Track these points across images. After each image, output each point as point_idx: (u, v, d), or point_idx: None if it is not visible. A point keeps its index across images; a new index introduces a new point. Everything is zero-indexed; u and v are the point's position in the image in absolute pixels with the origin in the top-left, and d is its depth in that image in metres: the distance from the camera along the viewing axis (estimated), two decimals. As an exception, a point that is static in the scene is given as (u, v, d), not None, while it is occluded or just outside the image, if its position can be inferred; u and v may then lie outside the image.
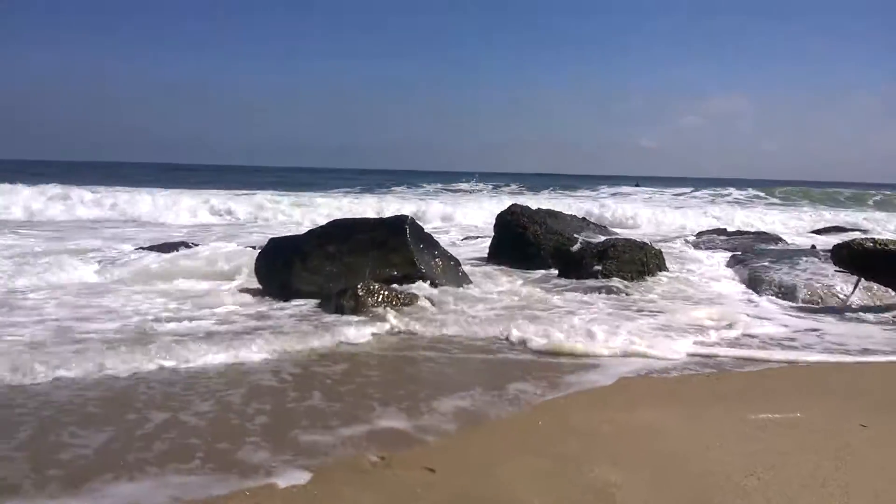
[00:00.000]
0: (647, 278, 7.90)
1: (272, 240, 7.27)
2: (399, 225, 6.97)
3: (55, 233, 12.66)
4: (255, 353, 4.56)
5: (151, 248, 9.22)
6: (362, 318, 5.59)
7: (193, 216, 18.04)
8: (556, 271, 8.51)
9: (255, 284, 6.87)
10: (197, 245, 9.31)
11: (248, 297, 6.46)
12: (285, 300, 6.30)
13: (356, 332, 5.13)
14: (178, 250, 8.79)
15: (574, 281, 7.71)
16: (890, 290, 6.61)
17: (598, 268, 8.11)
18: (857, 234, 12.33)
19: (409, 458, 2.96)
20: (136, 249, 9.46)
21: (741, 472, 2.81)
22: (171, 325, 5.25)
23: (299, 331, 5.18)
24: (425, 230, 7.51)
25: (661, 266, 8.32)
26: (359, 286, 5.91)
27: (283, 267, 6.72)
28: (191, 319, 5.45)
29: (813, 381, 4.24)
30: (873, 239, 6.58)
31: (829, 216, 20.75)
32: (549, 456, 2.98)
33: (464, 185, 37.72)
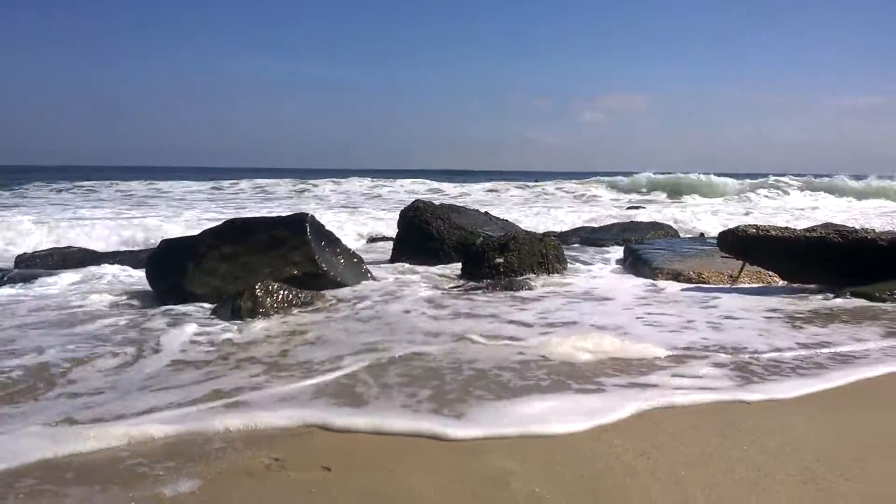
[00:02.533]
0: (547, 275, 8.04)
1: (164, 241, 7.00)
2: (299, 223, 6.83)
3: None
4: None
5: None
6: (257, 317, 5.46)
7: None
8: (460, 266, 8.57)
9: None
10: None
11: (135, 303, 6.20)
12: (177, 304, 6.07)
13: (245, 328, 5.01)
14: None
15: (475, 280, 7.76)
16: (771, 272, 6.99)
17: (500, 260, 8.22)
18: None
19: (305, 459, 2.90)
20: None
21: (632, 453, 2.89)
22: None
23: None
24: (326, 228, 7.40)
25: (561, 257, 8.49)
26: (256, 286, 5.76)
27: (176, 270, 6.47)
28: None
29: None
30: (756, 225, 6.92)
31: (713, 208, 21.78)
32: (447, 450, 2.98)
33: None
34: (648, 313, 5.79)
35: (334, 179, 37.73)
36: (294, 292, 5.92)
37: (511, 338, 4.86)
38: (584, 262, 9.17)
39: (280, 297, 5.80)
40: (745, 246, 6.79)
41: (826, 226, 8.22)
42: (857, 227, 7.49)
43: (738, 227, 7.00)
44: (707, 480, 2.63)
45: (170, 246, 6.86)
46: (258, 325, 5.31)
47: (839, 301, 6.11)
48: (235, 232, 6.72)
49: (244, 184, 35.99)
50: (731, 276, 7.00)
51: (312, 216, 7.00)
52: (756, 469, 2.73)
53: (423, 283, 7.44)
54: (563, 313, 5.79)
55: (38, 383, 3.91)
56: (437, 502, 2.51)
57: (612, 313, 5.82)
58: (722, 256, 7.15)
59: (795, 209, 23.76)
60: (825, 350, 4.60)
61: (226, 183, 36.18)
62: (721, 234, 7.06)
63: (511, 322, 5.46)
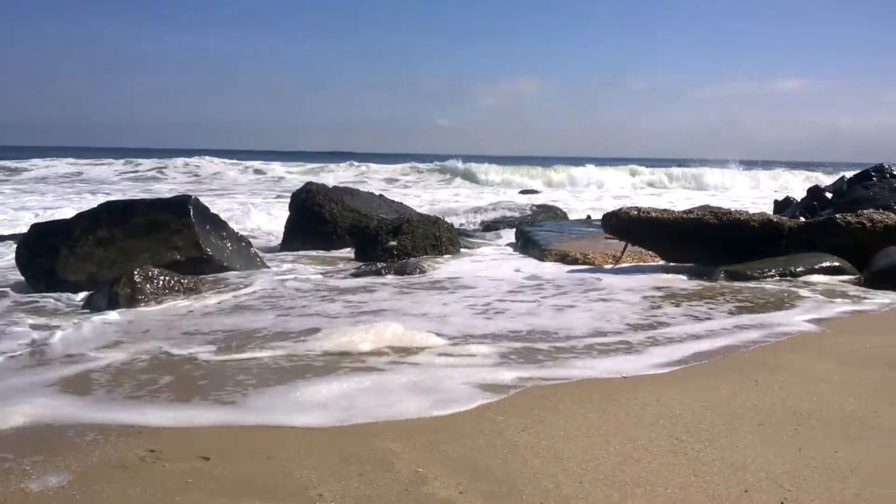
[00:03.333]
0: (439, 257, 8.09)
1: (34, 225, 6.59)
2: (182, 205, 6.58)
3: None
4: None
5: None
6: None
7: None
8: (354, 249, 8.51)
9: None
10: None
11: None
12: (49, 291, 5.74)
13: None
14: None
15: (368, 263, 7.71)
16: (653, 252, 7.29)
17: (394, 244, 8.21)
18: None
19: (182, 449, 2.79)
20: None
21: (514, 429, 2.94)
22: None
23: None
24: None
25: (454, 240, 8.56)
26: (135, 272, 5.50)
27: (48, 255, 6.11)
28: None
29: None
30: (637, 207, 7.19)
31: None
32: (332, 435, 2.95)
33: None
34: (501, 300, 5.80)
35: (185, 160, 35.00)
36: (176, 278, 5.70)
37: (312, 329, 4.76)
38: (480, 245, 9.28)
39: (161, 283, 5.57)
40: (628, 227, 7.05)
41: (703, 208, 8.63)
42: (733, 209, 7.91)
43: (620, 208, 7.25)
44: (584, 453, 2.71)
45: (41, 230, 6.46)
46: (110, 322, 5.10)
47: (698, 281, 6.45)
48: (112, 215, 6.41)
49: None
50: (614, 257, 7.25)
51: (196, 198, 6.76)
52: (630, 441, 2.83)
53: (308, 269, 7.32)
54: (394, 303, 5.67)
55: None
56: (320, 484, 2.47)
57: (458, 301, 5.79)
58: (606, 237, 7.39)
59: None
60: (659, 331, 4.85)
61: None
62: (605, 215, 7.30)
63: (328, 316, 5.46)
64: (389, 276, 6.83)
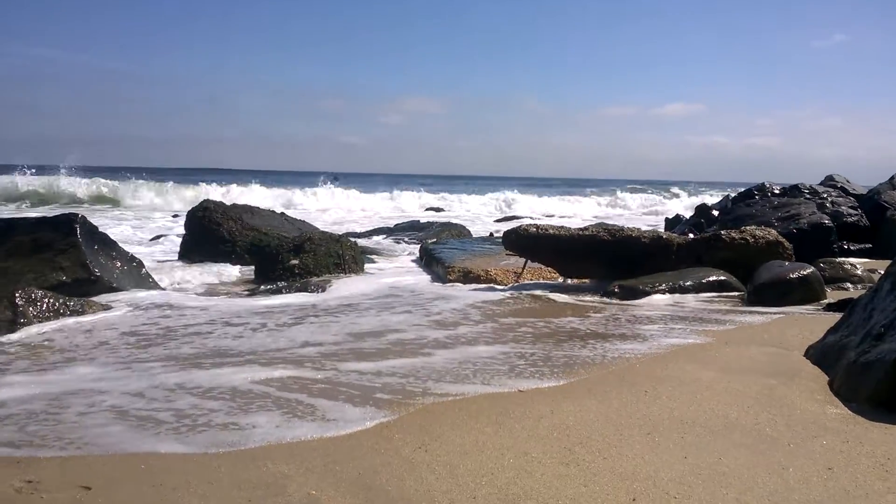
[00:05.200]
0: (343, 275, 8.01)
1: None
2: (68, 224, 6.29)
3: None
4: None
5: None
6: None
7: None
8: (253, 268, 8.33)
9: None
10: None
11: None
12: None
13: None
14: None
15: (269, 283, 7.56)
16: (552, 268, 7.46)
17: (295, 262, 8.08)
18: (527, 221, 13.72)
19: (63, 478, 2.65)
20: None
21: (411, 447, 2.94)
22: None
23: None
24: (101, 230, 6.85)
25: (358, 258, 8.51)
26: (17, 294, 5.20)
27: (-82, 277, 5.70)
28: None
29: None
30: (536, 225, 7.36)
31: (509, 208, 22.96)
32: (222, 458, 2.86)
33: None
34: (393, 320, 5.80)
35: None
36: (62, 300, 5.42)
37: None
38: (384, 261, 9.26)
39: (45, 305, 5.28)
40: (528, 244, 7.20)
41: (598, 225, 8.92)
42: (624, 226, 8.20)
43: (520, 226, 7.40)
44: (480, 468, 2.74)
45: (-90, 251, 6.02)
46: None
47: (589, 297, 6.67)
48: (-8, 234, 6.04)
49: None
50: (515, 273, 7.39)
51: (83, 216, 6.47)
52: (524, 454, 2.88)
53: (209, 291, 7.11)
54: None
55: None
56: (208, 513, 2.39)
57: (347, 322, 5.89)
58: (507, 254, 7.52)
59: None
60: (552, 345, 4.99)
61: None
62: (505, 232, 7.44)
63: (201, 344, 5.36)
64: (289, 296, 6.72)
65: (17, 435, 3.11)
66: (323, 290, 7.04)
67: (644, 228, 8.33)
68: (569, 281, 7.46)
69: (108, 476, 2.68)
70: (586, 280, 7.47)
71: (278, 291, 6.99)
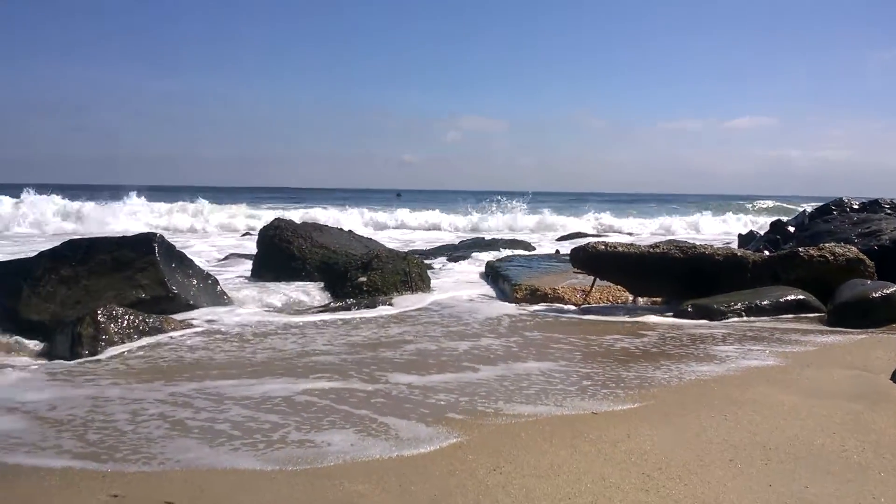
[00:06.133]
0: (410, 293, 8.03)
1: (-6, 264, 6.44)
2: (147, 242, 6.48)
3: None
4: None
5: None
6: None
7: None
8: (323, 286, 8.44)
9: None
10: None
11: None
12: (12, 331, 5.60)
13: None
14: None
15: (338, 300, 7.66)
16: (622, 286, 7.35)
17: (363, 280, 8.16)
18: (591, 239, 13.54)
19: (148, 493, 2.72)
20: None
21: (485, 468, 2.92)
22: None
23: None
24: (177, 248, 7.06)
25: (424, 276, 8.54)
26: (99, 311, 5.39)
27: (10, 294, 5.96)
28: None
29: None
30: (605, 242, 7.27)
31: (574, 224, 22.73)
32: (299, 475, 2.89)
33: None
34: (466, 338, 5.87)
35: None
36: (142, 317, 5.59)
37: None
38: (449, 280, 9.25)
39: (126, 322, 5.46)
40: (596, 262, 7.11)
41: (669, 242, 8.76)
42: (698, 243, 8.03)
43: (588, 243, 7.32)
44: (556, 492, 2.69)
45: (2, 269, 6.32)
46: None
47: (663, 319, 6.52)
48: (75, 253, 6.29)
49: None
50: (583, 291, 7.30)
51: (161, 235, 6.67)
52: (602, 479, 2.82)
53: (282, 308, 7.24)
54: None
55: None
56: (286, 532, 2.42)
57: (421, 339, 5.90)
58: (574, 272, 7.44)
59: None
60: (626, 367, 4.87)
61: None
62: (573, 250, 7.36)
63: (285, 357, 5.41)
64: (359, 313, 6.80)
65: (102, 449, 3.21)
66: (390, 307, 7.09)
67: (717, 245, 8.13)
68: (639, 300, 7.32)
69: (190, 492, 2.73)
70: (657, 299, 7.33)
71: (347, 308, 7.08)
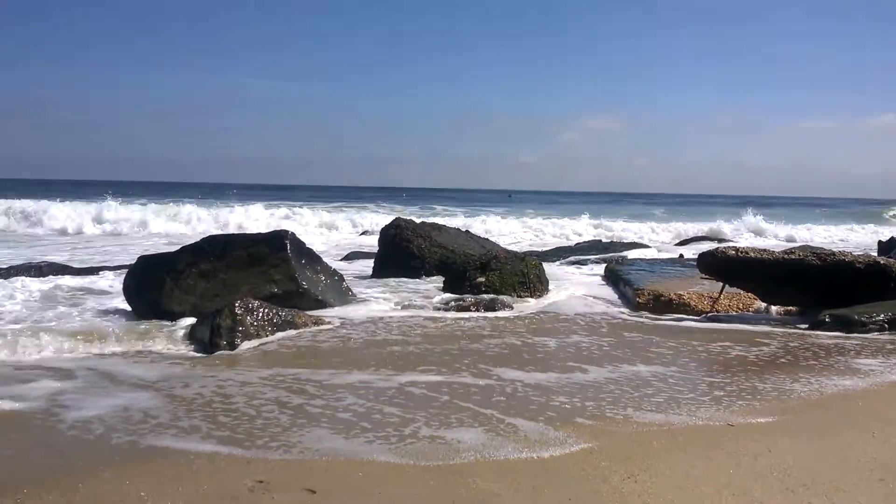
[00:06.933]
0: (528, 294, 8.01)
1: (142, 257, 6.89)
2: (279, 239, 6.77)
3: None
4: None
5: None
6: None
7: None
8: (442, 284, 8.54)
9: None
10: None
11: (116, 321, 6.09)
12: (157, 321, 5.99)
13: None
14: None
15: (457, 296, 7.73)
16: (752, 294, 7.04)
17: (482, 280, 8.21)
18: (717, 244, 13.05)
19: (290, 480, 2.85)
20: None
21: (619, 476, 2.87)
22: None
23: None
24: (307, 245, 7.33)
25: (542, 278, 8.49)
26: (236, 304, 5.67)
27: (154, 286, 6.38)
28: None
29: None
30: (735, 247, 6.99)
31: (695, 227, 21.95)
32: (432, 471, 2.95)
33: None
34: (590, 342, 5.78)
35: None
36: (274, 310, 5.84)
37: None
38: (568, 282, 9.16)
39: (260, 315, 5.72)
40: (725, 267, 6.84)
41: (804, 248, 8.31)
42: (836, 250, 7.58)
43: (717, 248, 7.05)
44: (695, 504, 2.62)
45: (147, 262, 6.76)
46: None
47: (797, 330, 6.18)
48: (214, 248, 6.64)
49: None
50: (711, 298, 7.04)
51: (293, 233, 6.95)
52: (743, 493, 2.72)
53: (403, 304, 7.39)
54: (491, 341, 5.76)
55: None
56: (424, 526, 2.47)
57: (545, 343, 5.82)
58: (702, 278, 7.19)
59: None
60: (760, 378, 4.63)
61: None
62: (701, 255, 7.11)
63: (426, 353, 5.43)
64: (478, 313, 6.85)
65: (244, 435, 3.38)
66: (508, 308, 7.10)
67: (856, 252, 7.66)
68: (771, 308, 7.00)
69: (330, 481, 2.84)
70: (791, 308, 6.98)
71: (466, 308, 7.13)
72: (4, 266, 9.60)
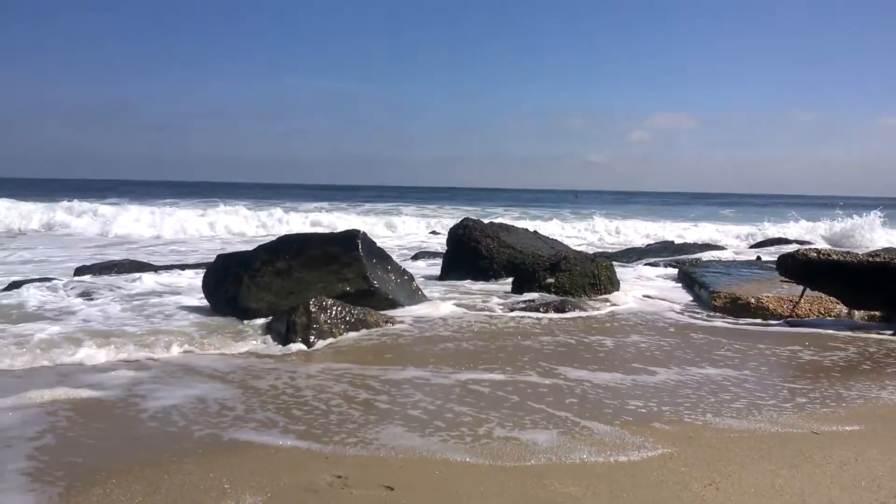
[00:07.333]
0: (598, 296, 7.91)
1: (220, 256, 7.09)
2: (351, 239, 6.87)
3: None
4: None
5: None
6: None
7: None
8: (510, 285, 8.52)
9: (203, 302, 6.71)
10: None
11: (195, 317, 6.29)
12: (234, 318, 6.16)
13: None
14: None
15: (526, 297, 7.70)
16: (834, 298, 6.78)
17: (551, 281, 8.15)
18: (796, 246, 12.62)
19: (368, 477, 2.89)
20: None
21: (700, 482, 2.81)
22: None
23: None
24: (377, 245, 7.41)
25: (613, 279, 8.38)
26: (311, 302, 5.79)
27: (232, 284, 6.56)
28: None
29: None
30: (817, 249, 6.74)
31: (773, 229, 21.23)
32: (509, 472, 2.94)
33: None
34: (665, 346, 5.65)
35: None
36: (347, 309, 5.94)
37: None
38: (639, 281, 9.01)
39: (333, 313, 5.82)
40: (806, 270, 6.60)
41: (889, 251, 7.96)
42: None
43: (798, 250, 6.81)
44: (781, 514, 2.55)
45: (225, 260, 6.96)
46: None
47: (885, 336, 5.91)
48: (289, 247, 6.79)
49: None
50: (791, 302, 6.82)
51: (364, 233, 7.04)
52: (831, 504, 2.63)
53: (473, 305, 7.40)
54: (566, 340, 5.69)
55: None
56: (501, 527, 2.47)
57: (620, 345, 5.71)
58: (781, 281, 6.97)
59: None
60: (846, 384, 4.44)
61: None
62: (781, 257, 6.88)
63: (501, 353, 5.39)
64: (548, 314, 6.80)
65: (321, 430, 3.44)
66: (579, 310, 7.02)
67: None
68: (855, 313, 6.73)
69: (407, 479, 2.86)
70: (875, 313, 6.69)
71: (535, 309, 7.09)
72: (91, 264, 10.04)
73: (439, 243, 14.46)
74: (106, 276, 9.15)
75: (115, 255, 12.39)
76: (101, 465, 3.02)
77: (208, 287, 6.81)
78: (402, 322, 6.15)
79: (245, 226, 20.59)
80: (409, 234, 20.62)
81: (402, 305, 6.82)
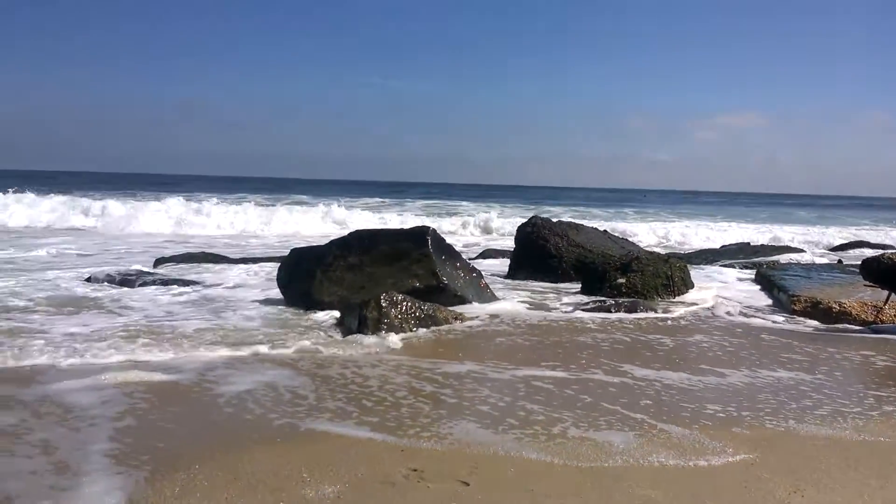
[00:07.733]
0: (672, 297, 7.76)
1: (294, 250, 7.25)
2: (421, 236, 6.91)
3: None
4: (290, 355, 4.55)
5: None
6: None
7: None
8: (579, 285, 8.43)
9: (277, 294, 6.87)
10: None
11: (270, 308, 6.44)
12: (307, 310, 6.29)
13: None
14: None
15: (595, 297, 7.61)
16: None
17: (622, 281, 8.02)
18: (880, 250, 12.12)
19: (443, 471, 2.90)
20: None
21: (784, 489, 2.73)
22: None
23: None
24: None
25: (687, 280, 8.20)
26: (382, 297, 5.84)
27: (305, 277, 6.69)
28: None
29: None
30: (904, 253, 6.45)
31: (853, 231, 20.44)
32: (585, 472, 2.91)
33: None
34: (743, 348, 5.47)
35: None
36: (417, 304, 5.98)
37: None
38: (713, 283, 8.79)
39: (404, 308, 5.86)
40: (892, 275, 6.33)
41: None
42: None
43: (883, 254, 6.54)
44: (872, 526, 2.45)
45: (299, 255, 7.10)
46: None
47: None
48: (361, 243, 6.88)
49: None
50: (875, 307, 6.55)
51: (434, 229, 7.07)
52: (927, 517, 2.51)
53: (542, 304, 7.36)
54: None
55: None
56: (578, 526, 2.44)
57: (700, 346, 5.55)
58: (865, 285, 6.70)
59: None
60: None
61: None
62: (864, 261, 6.61)
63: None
64: (619, 314, 6.70)
65: (396, 424, 3.47)
66: (651, 311, 6.89)
67: None
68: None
69: (482, 474, 2.86)
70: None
71: (606, 309, 6.99)
72: (174, 254, 10.38)
73: (504, 243, 14.41)
74: (183, 266, 9.46)
75: (193, 246, 12.75)
76: (183, 449, 3.11)
77: (282, 280, 6.96)
78: (471, 319, 6.16)
79: (314, 223, 20.89)
80: (474, 231, 20.57)
81: (471, 303, 6.84)
